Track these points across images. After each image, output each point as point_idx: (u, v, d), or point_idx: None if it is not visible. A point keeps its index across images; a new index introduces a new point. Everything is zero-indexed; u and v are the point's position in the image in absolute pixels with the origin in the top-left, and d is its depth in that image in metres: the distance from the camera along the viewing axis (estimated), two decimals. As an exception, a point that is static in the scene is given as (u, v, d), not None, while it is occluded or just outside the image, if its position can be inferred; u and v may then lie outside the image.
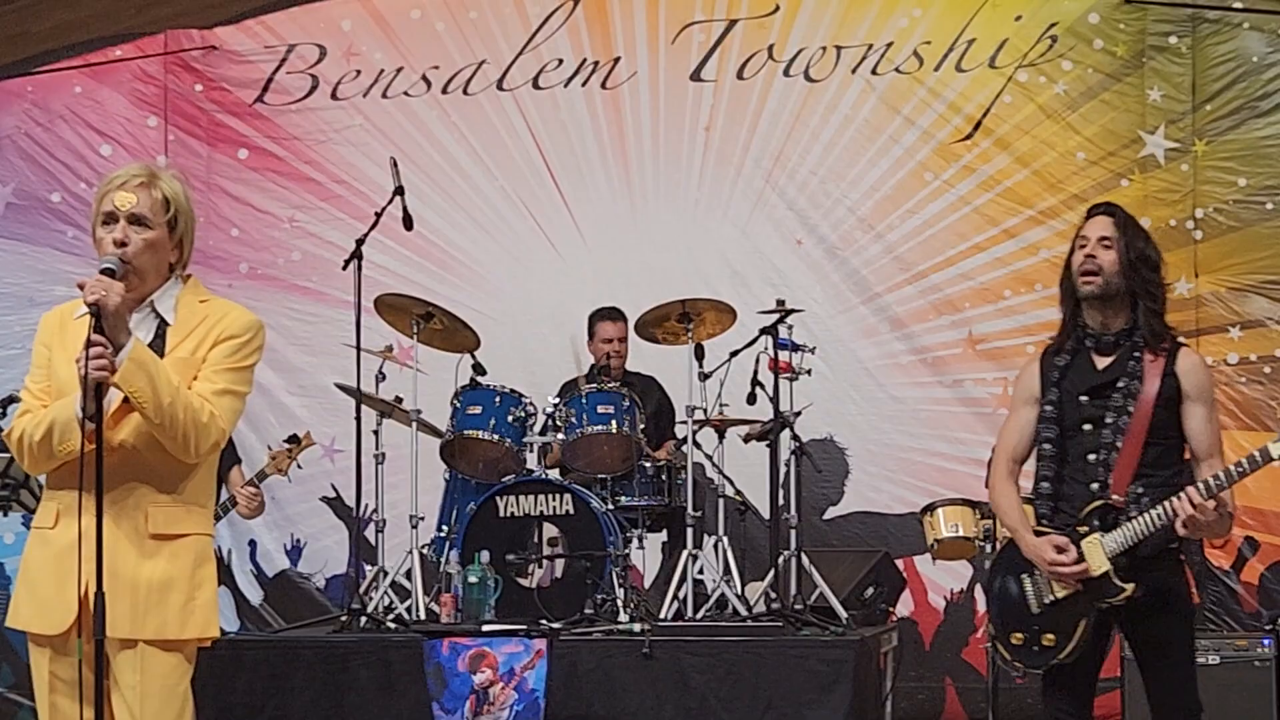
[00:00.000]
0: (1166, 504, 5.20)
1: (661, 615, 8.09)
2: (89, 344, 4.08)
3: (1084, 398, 5.39)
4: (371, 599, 8.32)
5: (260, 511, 8.74)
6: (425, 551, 8.53)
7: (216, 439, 4.35)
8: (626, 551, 8.36)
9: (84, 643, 4.15)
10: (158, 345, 4.35)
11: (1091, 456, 5.36)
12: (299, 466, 8.87)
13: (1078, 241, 5.50)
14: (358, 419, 8.39)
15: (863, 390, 10.24)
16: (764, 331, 8.38)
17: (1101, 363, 5.42)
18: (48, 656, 4.33)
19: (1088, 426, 5.38)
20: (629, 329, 9.24)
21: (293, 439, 8.75)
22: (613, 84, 10.66)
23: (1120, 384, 5.36)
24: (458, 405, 8.57)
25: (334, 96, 10.91)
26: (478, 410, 8.50)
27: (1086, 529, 5.30)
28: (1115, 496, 5.29)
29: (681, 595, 8.17)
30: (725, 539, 8.49)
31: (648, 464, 8.66)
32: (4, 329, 10.86)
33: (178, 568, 4.33)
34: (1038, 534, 5.38)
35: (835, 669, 7.24)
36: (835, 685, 7.21)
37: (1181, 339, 5.51)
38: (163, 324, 4.42)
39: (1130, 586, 5.26)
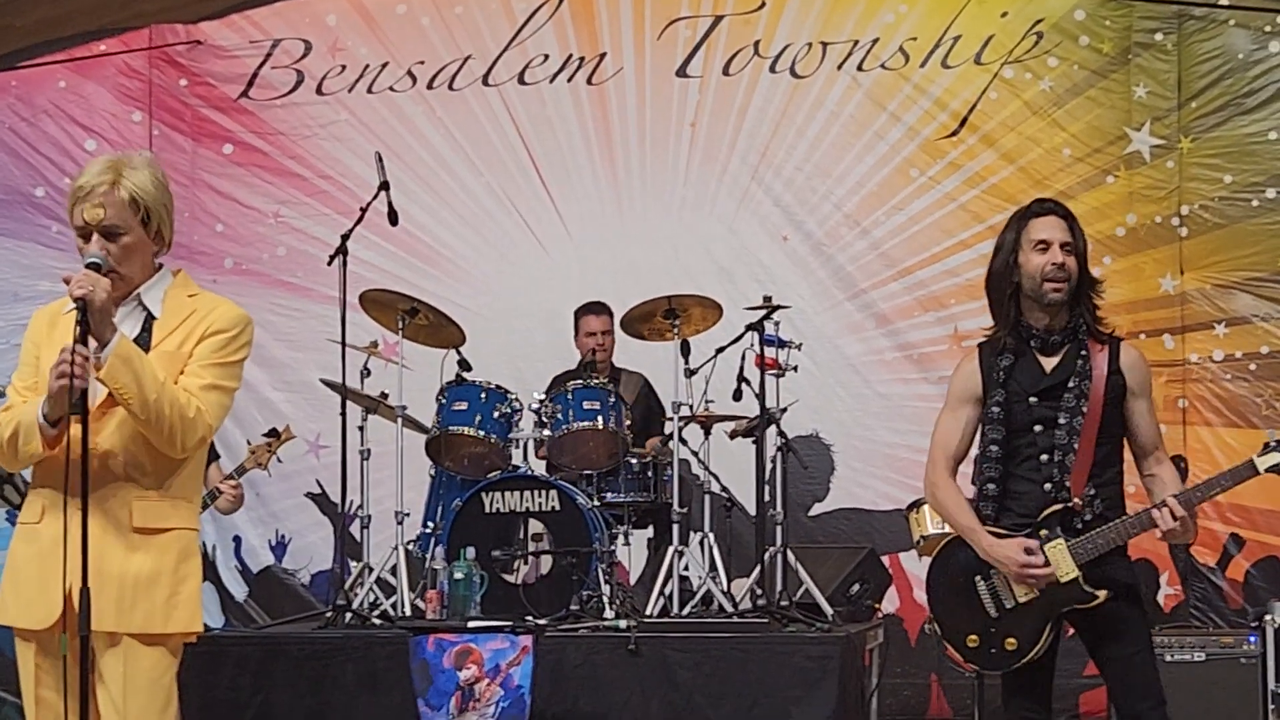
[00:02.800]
0: (1145, 514, 5.21)
1: (647, 611, 8.09)
2: (71, 351, 4.07)
3: (1034, 399, 5.34)
4: (357, 595, 8.31)
5: (239, 505, 8.73)
6: (411, 548, 8.53)
7: (203, 434, 4.34)
8: (612, 548, 8.35)
9: (68, 637, 4.14)
10: (143, 339, 4.34)
11: (1044, 457, 5.32)
12: (279, 460, 8.85)
13: (1035, 245, 5.36)
14: (343, 415, 8.37)
15: (849, 386, 10.24)
16: (750, 328, 8.38)
17: (1048, 363, 5.37)
18: (33, 650, 4.33)
19: (1039, 428, 5.33)
20: (614, 322, 9.23)
21: (272, 433, 8.74)
22: (598, 80, 10.65)
23: (1071, 384, 5.32)
24: (443, 401, 8.56)
25: (319, 92, 10.89)
26: (463, 406, 8.50)
27: (1046, 532, 5.28)
28: (1076, 499, 5.28)
29: (667, 591, 8.17)
30: (711, 535, 8.50)
31: (633, 460, 8.66)
32: (-11, 323, 10.86)
33: (162, 562, 4.32)
34: (994, 535, 5.35)
35: (821, 665, 7.24)
36: (821, 681, 7.20)
37: (1118, 334, 5.51)
38: (149, 317, 4.40)
39: (1103, 594, 5.24)
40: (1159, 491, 5.37)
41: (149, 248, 4.42)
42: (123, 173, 4.36)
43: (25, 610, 4.31)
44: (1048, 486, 5.31)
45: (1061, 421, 5.30)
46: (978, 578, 5.38)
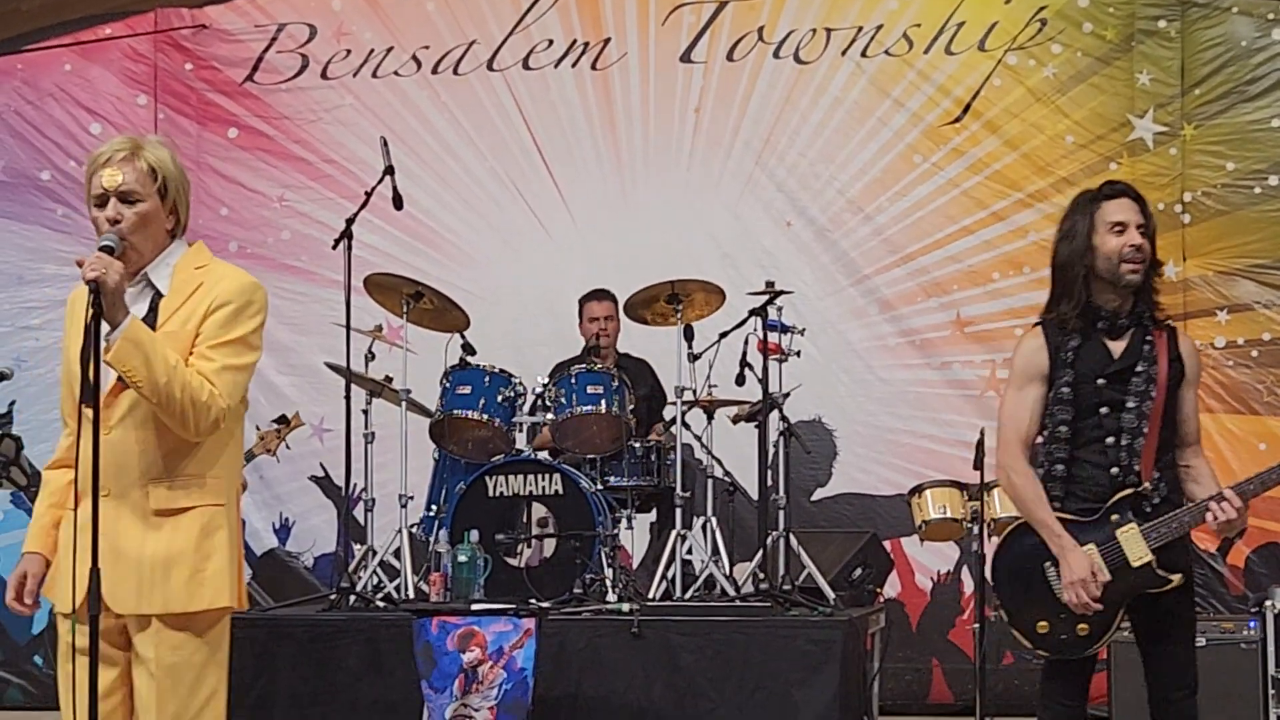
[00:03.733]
0: (1200, 506, 5.24)
1: (650, 595, 8.12)
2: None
3: (1101, 381, 5.32)
4: (360, 578, 8.32)
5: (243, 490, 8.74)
6: (414, 531, 8.55)
7: (216, 417, 4.30)
8: (615, 531, 8.36)
9: (77, 618, 4.17)
10: (150, 319, 4.31)
11: (1110, 440, 5.31)
12: (287, 447, 8.88)
13: (1111, 227, 5.33)
14: (347, 398, 8.37)
15: (851, 372, 10.26)
16: (753, 313, 8.39)
17: (1115, 347, 5.35)
18: (67, 628, 4.36)
19: (1105, 410, 5.32)
20: (618, 308, 9.25)
21: (281, 419, 8.74)
22: (603, 65, 10.67)
23: (1139, 368, 5.31)
24: (447, 385, 8.57)
25: (324, 76, 10.90)
26: (467, 390, 8.51)
27: (1118, 517, 5.27)
28: (1146, 484, 5.29)
29: (670, 575, 8.19)
30: (714, 519, 8.50)
31: (637, 444, 8.68)
32: (-6, 307, 10.89)
33: (182, 542, 4.32)
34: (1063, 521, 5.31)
35: (823, 649, 7.26)
36: (823, 665, 7.22)
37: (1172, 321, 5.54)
38: (157, 295, 4.39)
39: (1177, 577, 5.25)
40: (1192, 485, 5.38)
41: (163, 222, 4.40)
42: (144, 145, 4.39)
43: (60, 592, 4.35)
44: (1115, 470, 5.30)
45: (1130, 405, 5.30)
46: (1047, 564, 5.33)
